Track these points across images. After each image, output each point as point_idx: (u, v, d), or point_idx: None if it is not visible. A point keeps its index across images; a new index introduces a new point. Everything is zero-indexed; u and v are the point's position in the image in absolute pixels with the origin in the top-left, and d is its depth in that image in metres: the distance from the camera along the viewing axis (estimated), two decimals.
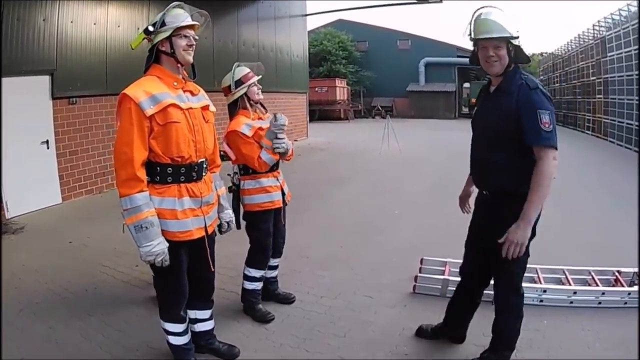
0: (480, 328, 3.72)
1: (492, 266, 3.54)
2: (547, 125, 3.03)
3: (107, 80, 9.87)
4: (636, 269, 4.96)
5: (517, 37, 3.19)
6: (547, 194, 3.14)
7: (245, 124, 4.10)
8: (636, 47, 18.65)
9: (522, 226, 3.16)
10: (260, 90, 4.31)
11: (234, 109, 4.28)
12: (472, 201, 3.79)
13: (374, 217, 8.14)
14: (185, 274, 3.26)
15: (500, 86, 3.32)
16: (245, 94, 4.22)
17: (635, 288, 4.67)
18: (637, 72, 17.51)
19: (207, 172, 3.34)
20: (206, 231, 3.25)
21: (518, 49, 3.25)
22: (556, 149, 3.09)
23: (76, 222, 7.67)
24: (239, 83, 4.19)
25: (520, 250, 3.19)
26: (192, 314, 3.54)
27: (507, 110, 3.19)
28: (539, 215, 3.29)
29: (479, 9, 3.29)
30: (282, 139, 4.09)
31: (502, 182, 3.32)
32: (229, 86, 4.22)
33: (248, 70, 4.28)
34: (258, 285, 4.41)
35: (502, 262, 3.36)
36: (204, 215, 3.22)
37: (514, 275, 3.43)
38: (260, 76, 4.33)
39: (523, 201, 3.17)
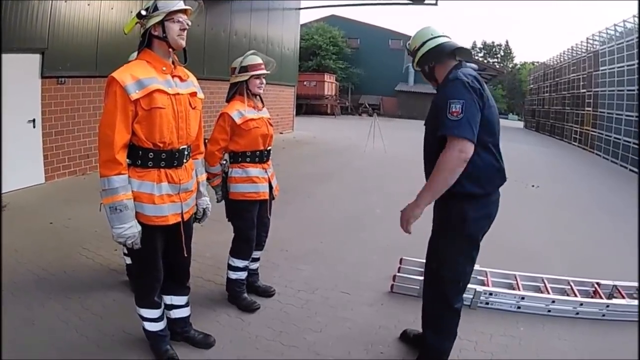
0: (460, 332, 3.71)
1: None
2: (454, 115, 2.94)
3: (97, 62, 9.77)
4: (615, 282, 5.03)
5: (415, 53, 3.41)
6: (445, 186, 3.06)
7: (237, 111, 4.13)
8: (630, 63, 18.84)
9: (411, 206, 3.21)
10: (263, 85, 4.33)
11: (233, 91, 4.29)
12: None
13: (356, 215, 8.16)
14: (160, 259, 3.27)
15: (437, 87, 3.39)
16: (247, 82, 4.23)
17: (614, 301, 4.72)
18: (637, 88, 17.65)
19: (189, 159, 3.35)
20: (182, 217, 3.26)
21: (431, 52, 3.33)
22: (467, 139, 2.94)
23: (58, 203, 7.61)
24: (243, 69, 4.20)
25: (405, 225, 3.25)
26: (168, 299, 3.53)
27: (433, 109, 3.24)
28: (487, 225, 3.30)
29: None
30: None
31: None
32: (235, 68, 4.24)
33: (260, 61, 4.28)
34: (242, 275, 4.41)
35: (431, 263, 3.44)
36: (181, 201, 3.23)
37: (445, 285, 3.34)
38: (268, 72, 4.34)
39: (458, 201, 3.16)
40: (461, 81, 3.03)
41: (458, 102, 2.95)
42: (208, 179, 4.08)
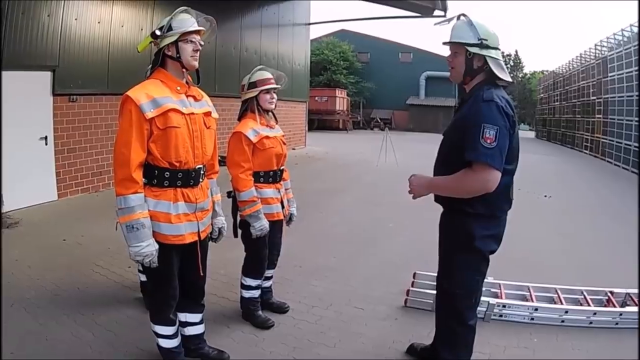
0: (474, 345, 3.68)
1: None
2: (488, 141, 2.84)
3: (108, 79, 9.90)
4: (628, 290, 4.98)
5: (476, 45, 3.04)
6: (452, 195, 3.12)
7: (252, 129, 4.05)
8: (637, 68, 18.74)
9: (422, 181, 3.29)
10: (274, 100, 4.24)
11: (243, 109, 4.24)
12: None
13: (368, 229, 8.15)
14: (175, 277, 3.27)
15: (464, 98, 3.25)
16: (257, 98, 4.17)
17: (627, 309, 4.67)
18: (637, 93, 17.57)
19: (205, 179, 3.36)
20: (199, 236, 3.27)
21: (486, 64, 3.09)
22: (496, 169, 2.88)
23: (71, 220, 7.66)
24: (252, 85, 4.14)
25: (412, 193, 3.33)
26: (183, 316, 3.53)
27: (459, 123, 3.13)
28: (495, 244, 3.25)
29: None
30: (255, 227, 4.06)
31: (448, 198, 3.21)
32: (244, 85, 4.19)
33: (268, 75, 4.20)
34: (255, 293, 4.38)
35: (442, 278, 3.41)
36: (197, 220, 3.24)
37: (456, 300, 3.28)
38: (279, 86, 4.26)
39: (465, 219, 3.12)
40: (497, 105, 2.93)
41: (493, 128, 2.86)
42: (239, 207, 4.10)
